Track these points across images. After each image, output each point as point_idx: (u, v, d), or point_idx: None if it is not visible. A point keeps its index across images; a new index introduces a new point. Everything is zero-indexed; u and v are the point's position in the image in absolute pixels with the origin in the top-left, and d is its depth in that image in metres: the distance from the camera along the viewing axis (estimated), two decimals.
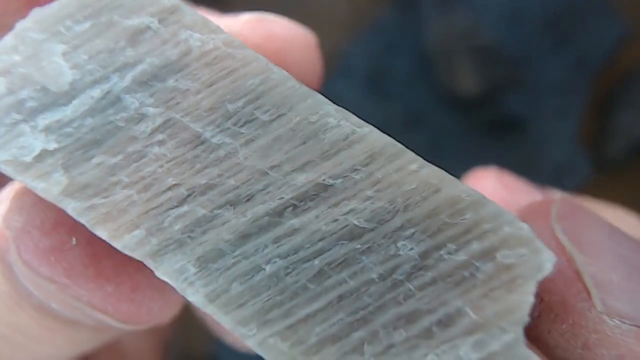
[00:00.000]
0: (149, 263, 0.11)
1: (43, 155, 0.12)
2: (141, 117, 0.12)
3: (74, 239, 0.13)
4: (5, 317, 0.14)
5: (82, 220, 0.11)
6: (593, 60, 0.40)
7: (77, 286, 0.13)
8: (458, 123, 0.40)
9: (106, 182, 0.12)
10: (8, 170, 0.12)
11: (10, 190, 0.14)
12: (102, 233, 0.11)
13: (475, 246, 0.11)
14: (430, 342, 0.10)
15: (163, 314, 0.14)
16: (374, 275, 0.11)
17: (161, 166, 0.12)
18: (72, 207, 0.11)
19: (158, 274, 0.11)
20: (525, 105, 0.40)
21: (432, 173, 0.11)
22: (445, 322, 0.11)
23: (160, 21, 0.12)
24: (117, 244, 0.11)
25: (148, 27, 0.12)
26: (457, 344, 0.10)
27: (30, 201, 0.13)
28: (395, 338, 0.11)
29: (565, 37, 0.41)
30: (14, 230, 0.13)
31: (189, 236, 0.11)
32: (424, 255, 0.11)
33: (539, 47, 0.40)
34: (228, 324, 0.11)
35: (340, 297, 0.11)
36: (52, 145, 0.12)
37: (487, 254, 0.11)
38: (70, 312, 0.13)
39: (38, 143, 0.12)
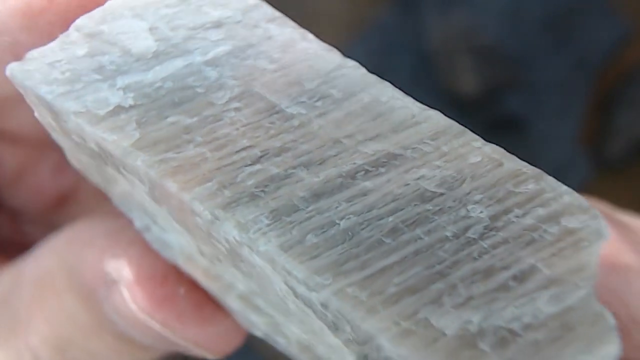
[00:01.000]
0: (219, 214, 0.11)
1: (117, 110, 0.12)
2: (220, 87, 0.12)
3: (181, 289, 0.15)
4: (82, 343, 0.16)
5: (151, 172, 0.11)
6: (593, 60, 0.40)
7: (186, 330, 0.14)
8: (458, 123, 0.40)
9: (179, 139, 0.12)
10: (79, 122, 0.12)
11: (104, 238, 0.16)
12: (171, 185, 0.11)
13: (541, 212, 0.11)
14: (508, 295, 0.11)
15: (240, 340, 0.16)
16: (448, 234, 0.11)
17: (236, 129, 0.12)
18: (141, 159, 0.12)
19: (227, 227, 0.11)
20: (525, 105, 0.40)
21: (495, 149, 0.12)
22: (521, 278, 0.11)
23: (243, 13, 0.13)
24: (186, 196, 0.11)
25: (232, 17, 0.13)
26: (534, 297, 0.11)
27: (138, 253, 0.15)
28: (474, 291, 0.11)
29: (565, 37, 0.41)
30: (126, 281, 0.14)
31: (263, 191, 0.11)
32: (493, 218, 0.11)
33: (539, 47, 0.40)
34: (302, 273, 0.11)
35: (416, 252, 0.11)
36: (128, 102, 0.12)
37: (552, 219, 0.11)
38: (150, 341, 0.15)
39: (114, 99, 0.12)
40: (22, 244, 0.19)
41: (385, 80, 0.13)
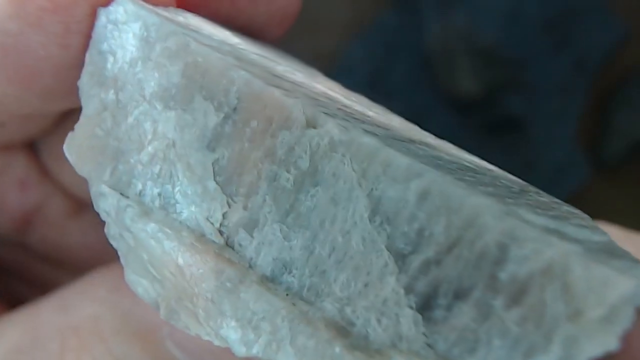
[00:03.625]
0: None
1: None
2: None
3: None
4: None
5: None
6: (592, 60, 0.41)
7: None
8: (458, 123, 0.40)
9: None
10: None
11: None
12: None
13: None
14: None
15: None
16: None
17: None
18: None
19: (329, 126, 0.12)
20: (525, 105, 0.40)
21: None
22: None
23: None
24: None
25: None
26: None
27: None
28: None
29: (565, 38, 0.41)
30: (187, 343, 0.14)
31: None
32: None
33: (539, 47, 0.40)
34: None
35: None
36: None
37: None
38: None
39: None
40: None
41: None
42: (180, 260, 0.12)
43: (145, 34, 0.13)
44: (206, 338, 0.12)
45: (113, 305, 0.15)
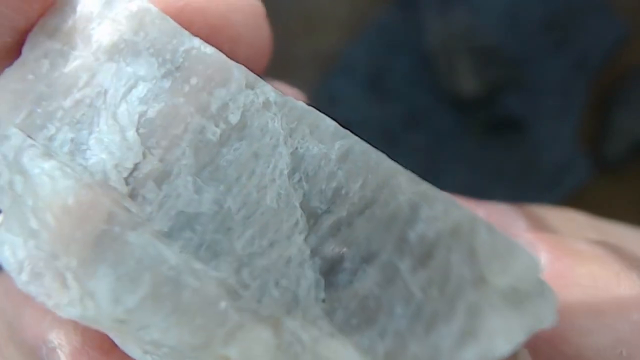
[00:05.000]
0: None
1: None
2: None
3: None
4: None
5: None
6: (593, 60, 0.40)
7: None
8: (458, 123, 0.40)
9: None
10: None
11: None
12: None
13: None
14: None
15: None
16: None
17: None
18: None
19: None
20: (525, 105, 0.40)
21: None
22: None
23: None
24: None
25: None
26: None
27: None
28: None
29: (565, 38, 0.41)
30: (68, 350, 0.13)
31: None
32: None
33: (539, 47, 0.40)
34: None
35: None
36: None
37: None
38: None
39: None
40: None
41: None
42: (71, 200, 0.11)
43: None
44: (65, 309, 0.11)
45: (3, 313, 0.15)
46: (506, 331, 0.10)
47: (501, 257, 0.10)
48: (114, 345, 0.13)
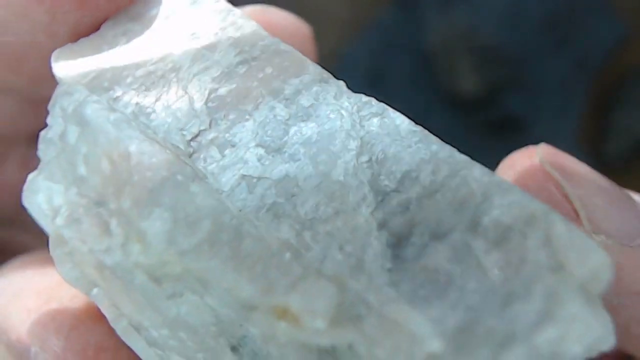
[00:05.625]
0: None
1: None
2: None
3: None
4: None
5: None
6: (593, 60, 0.40)
7: None
8: (458, 123, 0.40)
9: None
10: None
11: (34, 296, 0.14)
12: None
13: None
14: None
15: None
16: None
17: None
18: None
19: None
20: (526, 104, 0.40)
21: None
22: None
23: None
24: None
25: None
26: None
27: (69, 324, 0.13)
28: None
29: (565, 37, 0.41)
30: (51, 354, 0.12)
31: None
32: None
33: (539, 47, 0.40)
34: None
35: None
36: None
37: None
38: None
39: None
40: None
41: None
42: (133, 148, 0.12)
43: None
44: (99, 254, 0.12)
45: None
46: (584, 321, 0.10)
47: (578, 249, 0.10)
48: (99, 351, 0.13)
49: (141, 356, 0.13)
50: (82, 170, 0.12)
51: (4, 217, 0.19)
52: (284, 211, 0.11)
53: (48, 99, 0.17)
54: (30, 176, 0.13)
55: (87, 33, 0.14)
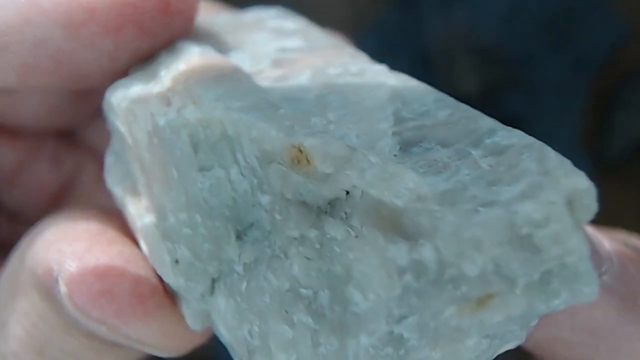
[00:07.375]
0: None
1: None
2: None
3: (126, 283, 0.14)
4: (57, 343, 0.15)
5: None
6: (593, 60, 0.40)
7: (126, 326, 0.13)
8: None
9: None
10: None
11: (54, 230, 0.15)
12: None
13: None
14: None
15: (200, 339, 0.15)
16: None
17: None
18: None
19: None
20: (525, 104, 0.40)
21: None
22: None
23: None
24: None
25: None
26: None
27: (83, 248, 0.14)
28: None
29: (565, 37, 0.41)
30: (67, 275, 0.14)
31: None
32: None
33: (539, 47, 0.40)
34: None
35: None
36: None
37: None
38: (117, 339, 0.14)
39: None
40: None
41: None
42: (196, 58, 0.15)
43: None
44: (161, 113, 0.14)
45: (25, 258, 0.15)
46: (563, 215, 0.11)
47: (566, 170, 0.12)
48: (109, 270, 0.14)
49: (152, 254, 0.14)
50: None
51: (34, 215, 0.19)
52: (314, 114, 0.13)
53: (83, 95, 0.18)
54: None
55: (145, 57, 0.15)
